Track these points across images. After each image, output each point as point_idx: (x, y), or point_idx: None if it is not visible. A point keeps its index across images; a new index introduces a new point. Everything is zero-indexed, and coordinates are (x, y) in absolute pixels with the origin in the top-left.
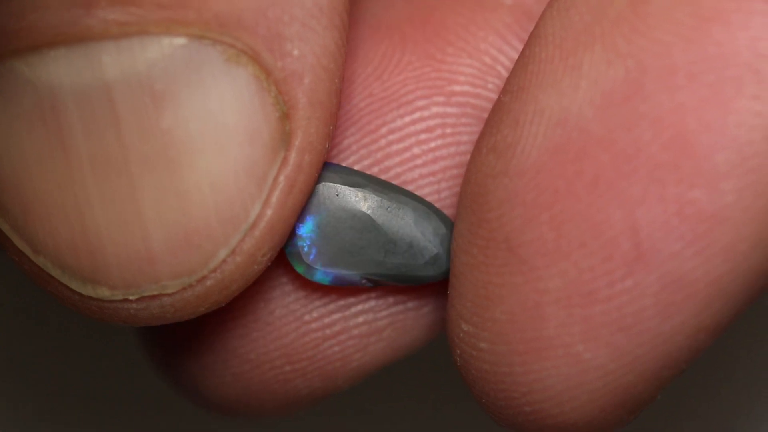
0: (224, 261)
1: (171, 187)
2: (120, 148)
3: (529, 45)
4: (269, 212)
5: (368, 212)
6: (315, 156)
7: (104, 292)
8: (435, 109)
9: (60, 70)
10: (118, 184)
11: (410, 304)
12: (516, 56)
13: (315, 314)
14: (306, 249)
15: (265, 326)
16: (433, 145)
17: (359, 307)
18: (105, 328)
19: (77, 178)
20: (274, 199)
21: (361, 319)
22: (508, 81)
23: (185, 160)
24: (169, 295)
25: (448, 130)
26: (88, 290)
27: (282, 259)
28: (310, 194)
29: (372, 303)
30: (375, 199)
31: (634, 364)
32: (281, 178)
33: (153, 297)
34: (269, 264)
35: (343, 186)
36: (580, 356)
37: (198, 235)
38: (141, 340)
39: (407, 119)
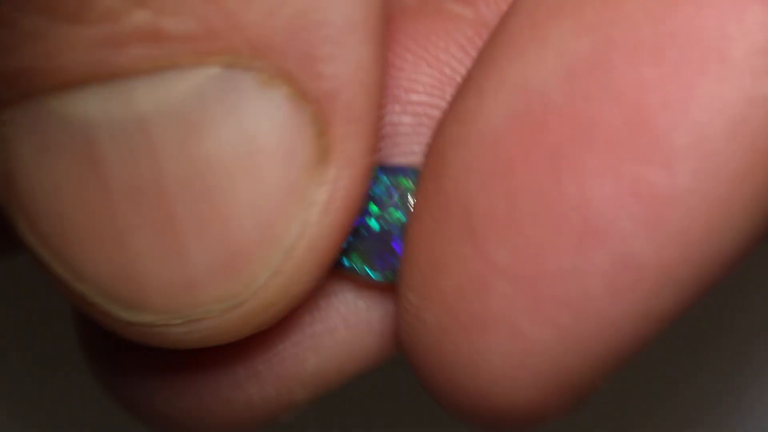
0: (266, 283)
1: (211, 213)
2: (157, 177)
3: (502, 19)
4: (309, 231)
5: None
6: (355, 171)
7: (147, 318)
8: (389, 118)
9: (93, 105)
10: (157, 213)
11: (360, 304)
12: None
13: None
14: None
15: None
16: (384, 154)
17: (309, 305)
18: None
19: (115, 208)
20: (313, 218)
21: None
22: (479, 54)
23: (224, 185)
24: (212, 318)
25: (401, 139)
26: (131, 316)
27: None
28: (356, 212)
29: (321, 302)
30: None
31: (578, 346)
32: (320, 196)
33: (197, 321)
34: (316, 285)
35: None
36: (524, 333)
37: (240, 259)
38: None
39: None
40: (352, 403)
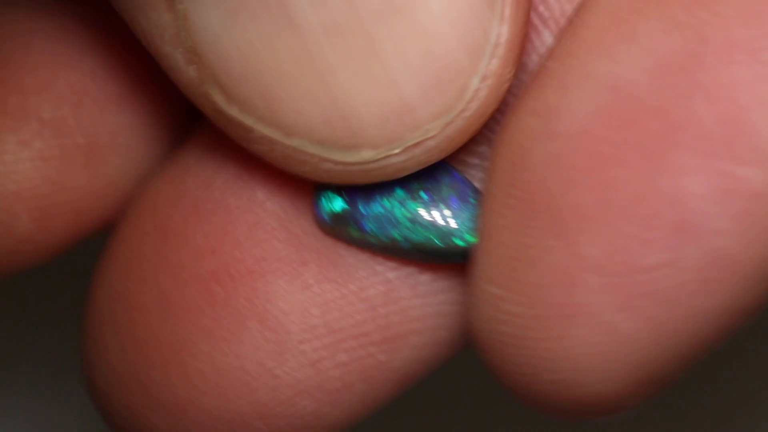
0: (478, 89)
1: (409, 31)
2: (350, 8)
3: (579, 13)
4: (506, 28)
5: None
6: None
7: (368, 154)
8: None
9: None
10: (356, 44)
11: (381, 357)
12: None
13: (287, 368)
14: None
15: (237, 383)
16: None
17: (330, 361)
18: None
19: (313, 49)
20: (507, 13)
21: (334, 374)
22: (555, 48)
23: (418, 2)
24: (432, 137)
25: None
26: (351, 157)
27: (253, 306)
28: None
29: (343, 357)
30: None
31: (669, 339)
32: None
33: (416, 144)
34: (512, 81)
35: None
36: (615, 326)
37: (447, 71)
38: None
39: None
40: None
